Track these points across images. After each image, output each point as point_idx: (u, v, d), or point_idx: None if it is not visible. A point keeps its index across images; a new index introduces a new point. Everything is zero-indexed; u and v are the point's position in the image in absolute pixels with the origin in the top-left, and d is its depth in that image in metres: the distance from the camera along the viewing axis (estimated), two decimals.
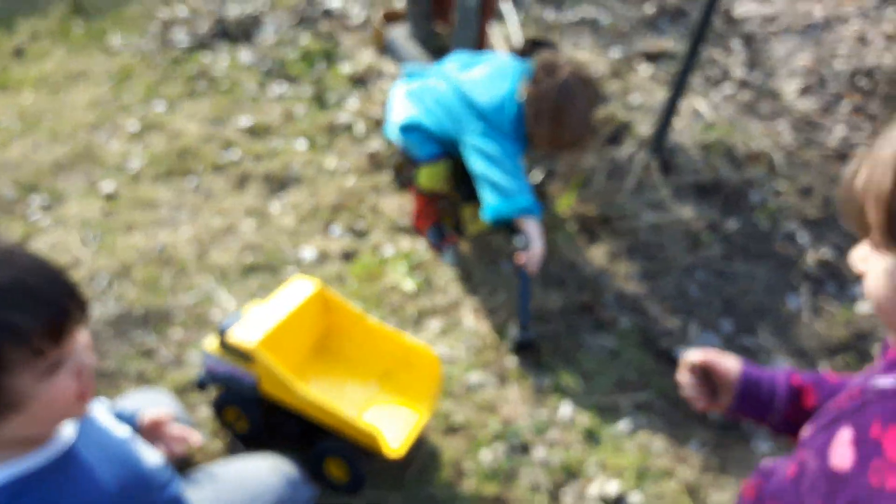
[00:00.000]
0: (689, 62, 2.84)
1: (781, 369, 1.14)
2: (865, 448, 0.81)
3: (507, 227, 2.64)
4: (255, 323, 2.02)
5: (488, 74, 2.61)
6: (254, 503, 1.71)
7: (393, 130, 2.78)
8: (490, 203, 2.51)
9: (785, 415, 1.09)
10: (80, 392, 1.12)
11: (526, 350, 2.50)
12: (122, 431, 1.39)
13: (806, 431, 0.95)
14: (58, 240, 2.89)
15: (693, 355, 1.17)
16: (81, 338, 1.14)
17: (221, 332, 2.02)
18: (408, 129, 2.69)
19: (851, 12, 4.77)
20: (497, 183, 2.49)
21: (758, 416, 1.10)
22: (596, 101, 2.53)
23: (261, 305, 2.12)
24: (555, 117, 2.44)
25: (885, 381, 0.87)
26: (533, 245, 2.48)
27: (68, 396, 1.11)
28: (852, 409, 0.88)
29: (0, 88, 3.88)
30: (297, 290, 2.14)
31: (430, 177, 2.72)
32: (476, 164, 2.54)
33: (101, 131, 3.50)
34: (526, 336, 2.49)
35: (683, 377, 1.19)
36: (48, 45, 4.29)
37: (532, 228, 2.49)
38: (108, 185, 3.13)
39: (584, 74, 2.49)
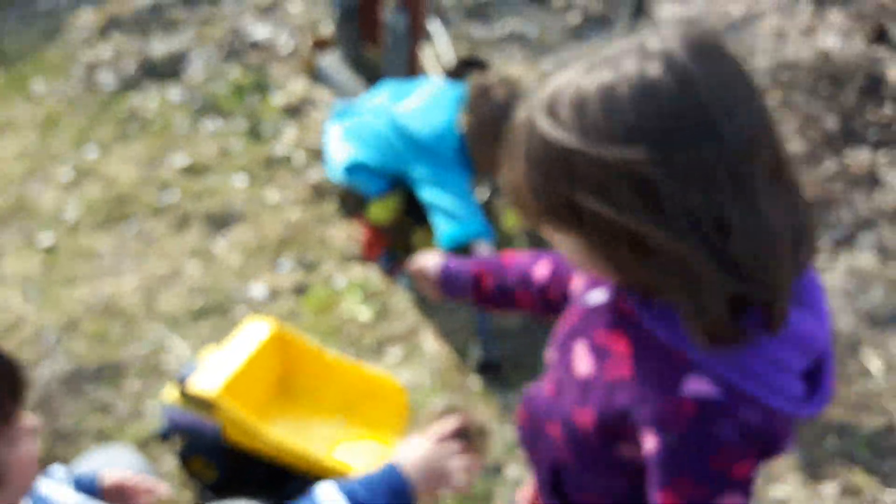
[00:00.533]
0: None
1: (476, 259, 1.44)
2: (598, 353, 1.01)
3: (461, 251, 2.67)
4: (213, 370, 1.99)
5: (423, 106, 2.63)
6: None
7: (336, 172, 2.79)
8: (444, 231, 2.54)
9: (476, 296, 1.37)
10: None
11: (489, 369, 2.52)
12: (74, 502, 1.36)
13: (551, 354, 1.14)
14: None
15: (414, 265, 1.47)
16: None
17: (180, 383, 1.99)
18: (352, 169, 2.71)
19: (767, 8, 4.96)
20: (449, 210, 2.52)
21: (461, 298, 1.41)
22: None
23: (217, 351, 2.09)
24: (496, 140, 2.47)
25: (595, 297, 1.06)
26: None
27: (35, 459, 1.10)
28: (580, 325, 1.07)
29: None
30: (252, 333, 2.12)
31: (380, 211, 2.74)
32: (426, 194, 2.57)
33: (34, 182, 3.40)
34: (489, 355, 2.50)
35: (416, 278, 1.49)
36: None
37: (485, 251, 2.52)
38: (45, 238, 3.05)
39: (518, 92, 2.53)
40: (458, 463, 1.23)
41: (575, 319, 1.09)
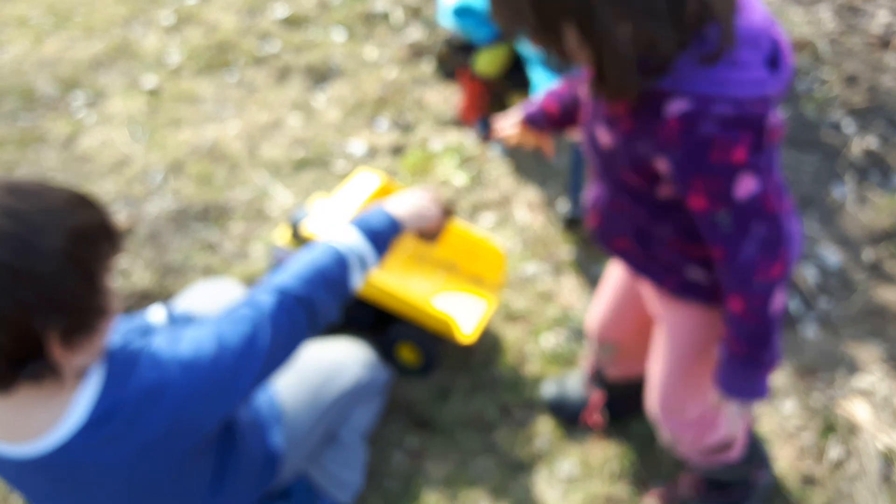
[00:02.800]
0: None
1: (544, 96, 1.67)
2: (610, 123, 1.26)
3: None
4: (325, 216, 2.05)
5: None
6: (333, 385, 1.76)
7: (445, 15, 2.72)
8: (543, 81, 2.46)
9: (551, 120, 1.65)
10: None
11: (575, 224, 2.54)
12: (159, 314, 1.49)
13: (583, 146, 1.41)
14: (106, 137, 2.89)
15: (501, 131, 1.78)
16: None
17: (293, 225, 2.05)
18: (460, 12, 2.63)
19: None
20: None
21: (542, 127, 1.69)
22: None
23: (328, 198, 2.14)
24: None
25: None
26: None
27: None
28: (592, 112, 1.33)
29: None
30: (362, 183, 2.16)
31: (490, 61, 2.67)
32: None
33: (136, 25, 3.43)
34: (576, 210, 2.51)
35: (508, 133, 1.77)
36: None
37: None
38: (149, 81, 3.11)
39: None
40: (434, 210, 1.63)
41: (588, 110, 1.36)
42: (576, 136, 1.91)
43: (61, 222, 1.05)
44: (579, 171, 2.50)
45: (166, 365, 1.17)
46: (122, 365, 1.16)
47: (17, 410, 1.12)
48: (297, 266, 1.36)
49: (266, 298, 1.29)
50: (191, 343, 1.20)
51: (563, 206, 2.55)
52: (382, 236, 1.49)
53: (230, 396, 1.23)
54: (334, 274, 1.38)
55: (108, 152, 2.81)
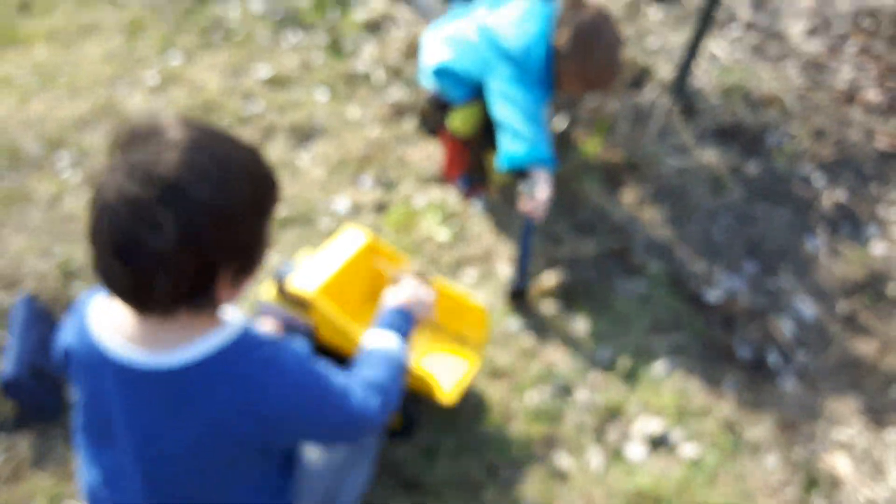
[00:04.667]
0: (710, 7, 2.83)
1: None
2: None
3: (522, 175, 2.62)
4: (311, 271, 2.05)
5: (516, 17, 2.56)
6: (326, 450, 1.75)
7: (425, 75, 2.76)
8: (507, 150, 2.45)
9: None
10: None
11: (518, 298, 2.53)
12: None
13: None
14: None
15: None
16: None
17: (278, 281, 2.05)
18: (440, 73, 2.67)
19: None
20: (517, 130, 2.43)
21: None
22: (620, 40, 2.47)
23: (314, 254, 2.14)
24: (583, 53, 2.40)
25: None
26: (539, 192, 2.40)
27: None
28: None
29: (10, 44, 3.78)
30: (348, 240, 2.16)
31: (463, 120, 2.70)
32: (498, 110, 2.49)
33: (121, 85, 3.44)
34: (519, 285, 2.51)
35: None
36: None
37: (542, 178, 2.41)
38: None
39: (608, 13, 2.46)
40: (427, 294, 1.72)
41: None
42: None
43: (248, 168, 1.15)
44: (527, 245, 2.49)
45: (288, 365, 1.26)
46: (252, 337, 1.25)
47: (166, 325, 1.19)
48: (387, 373, 1.48)
49: (374, 397, 1.40)
50: (326, 373, 1.33)
51: (511, 276, 2.55)
52: (410, 335, 1.64)
53: (318, 430, 1.34)
54: (401, 376, 1.53)
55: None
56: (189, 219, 1.06)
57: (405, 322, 1.63)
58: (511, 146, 2.44)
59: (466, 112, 2.71)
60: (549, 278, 2.59)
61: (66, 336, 1.33)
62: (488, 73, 2.54)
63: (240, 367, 1.22)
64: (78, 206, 2.82)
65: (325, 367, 1.34)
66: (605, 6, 2.54)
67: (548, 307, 2.54)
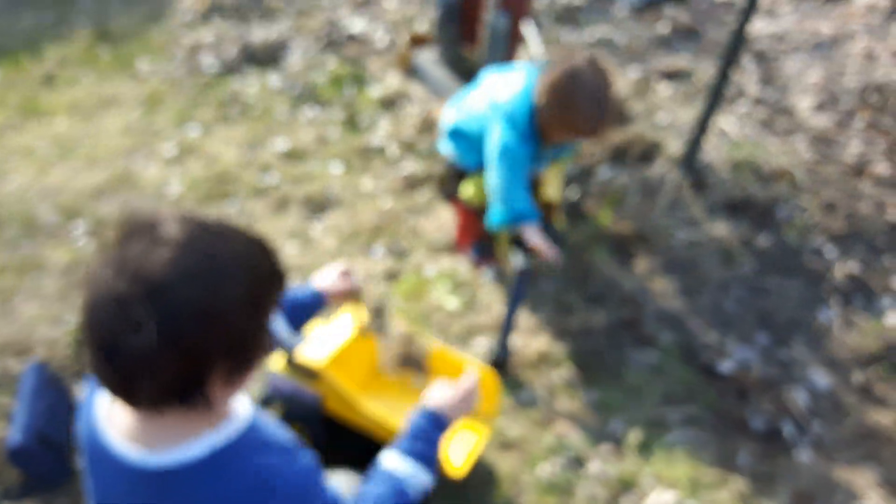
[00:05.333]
0: (720, 84, 2.92)
1: None
2: None
3: (519, 244, 2.68)
4: (319, 343, 2.07)
5: (511, 77, 2.65)
6: None
7: (443, 140, 2.84)
8: (492, 212, 2.56)
9: None
10: None
11: (499, 368, 2.54)
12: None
13: None
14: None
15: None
16: None
17: (287, 352, 2.07)
18: (454, 135, 2.75)
19: (858, 29, 4.89)
20: (500, 193, 2.52)
21: None
22: (603, 85, 2.44)
23: (322, 326, 2.17)
24: (564, 98, 2.40)
25: None
26: (533, 241, 2.51)
27: None
28: None
29: (33, 115, 3.93)
30: (356, 312, 2.20)
31: (476, 188, 2.76)
32: (489, 175, 2.58)
33: (138, 156, 3.55)
34: (499, 355, 2.53)
35: None
36: (76, 71, 4.35)
37: (533, 234, 2.50)
38: None
39: (597, 60, 2.46)
40: (476, 390, 1.62)
41: None
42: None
43: (246, 266, 1.10)
44: (512, 317, 2.52)
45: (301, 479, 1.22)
46: (255, 438, 1.21)
47: (159, 422, 1.17)
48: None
49: None
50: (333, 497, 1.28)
51: (494, 345, 2.57)
52: (430, 454, 1.52)
53: None
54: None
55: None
56: (172, 319, 1.03)
57: (435, 428, 1.53)
58: (495, 210, 2.55)
59: (479, 181, 2.78)
60: (532, 344, 2.62)
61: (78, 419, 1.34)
62: (486, 134, 2.62)
63: (233, 476, 1.17)
64: None
65: (332, 490, 1.29)
66: (599, 57, 2.55)
67: (559, 377, 2.54)
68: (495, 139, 2.55)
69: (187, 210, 1.13)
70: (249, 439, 1.20)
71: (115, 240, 1.10)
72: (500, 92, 2.59)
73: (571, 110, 2.41)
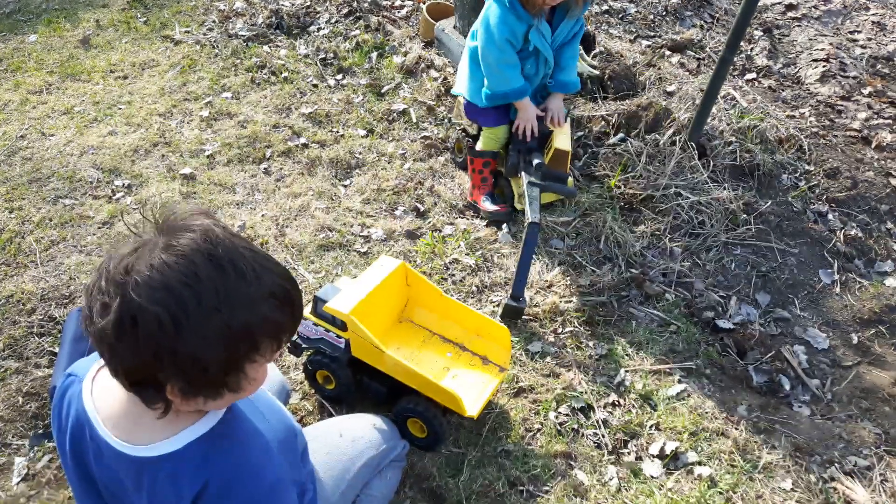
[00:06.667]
0: (731, 53, 2.88)
1: None
2: None
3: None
4: (348, 294, 2.11)
5: None
6: (359, 454, 1.80)
7: (458, 85, 2.98)
8: (485, 89, 2.79)
9: None
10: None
11: (512, 318, 2.55)
12: None
13: None
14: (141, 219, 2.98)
15: None
16: None
17: (318, 301, 2.11)
18: (471, 60, 2.88)
19: None
20: (491, 73, 2.74)
21: None
22: None
23: (352, 279, 2.21)
24: None
25: None
26: (521, 115, 2.81)
27: (264, 378, 1.19)
28: None
29: (71, 77, 3.95)
30: (384, 267, 2.23)
31: (491, 137, 2.90)
32: (481, 61, 2.76)
33: (173, 118, 3.57)
34: (516, 304, 2.52)
35: None
36: (112, 35, 4.35)
37: (521, 105, 2.81)
38: (185, 169, 3.22)
39: None
40: None
41: None
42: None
43: (228, 311, 1.03)
44: (525, 267, 2.52)
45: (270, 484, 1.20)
46: (226, 438, 1.19)
47: (138, 420, 1.17)
48: None
49: None
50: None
51: (506, 296, 2.58)
52: None
53: None
54: None
55: None
56: (130, 317, 1.01)
57: None
58: (489, 82, 2.78)
59: (493, 132, 2.83)
60: (545, 299, 2.64)
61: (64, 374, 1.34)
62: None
63: (195, 474, 1.16)
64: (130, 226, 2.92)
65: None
66: None
67: (566, 333, 2.57)
68: (484, 16, 2.73)
69: (228, 233, 1.08)
70: (220, 441, 1.19)
71: (145, 226, 1.09)
72: None
73: None
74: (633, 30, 4.27)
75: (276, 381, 1.97)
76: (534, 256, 2.81)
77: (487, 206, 2.96)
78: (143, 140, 3.40)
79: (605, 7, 4.40)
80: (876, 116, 3.79)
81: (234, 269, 1.05)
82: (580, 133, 3.34)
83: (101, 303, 1.03)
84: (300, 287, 2.60)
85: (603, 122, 3.35)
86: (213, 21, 4.29)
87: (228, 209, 3.00)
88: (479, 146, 2.91)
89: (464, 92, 2.90)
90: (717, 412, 2.33)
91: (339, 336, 2.11)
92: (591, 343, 2.54)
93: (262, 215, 2.96)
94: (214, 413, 1.21)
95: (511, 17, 2.62)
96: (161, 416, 1.13)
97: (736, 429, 2.27)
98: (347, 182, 3.17)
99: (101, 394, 1.23)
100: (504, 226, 2.96)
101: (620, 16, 4.40)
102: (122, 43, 4.25)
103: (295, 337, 2.23)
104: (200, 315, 1.02)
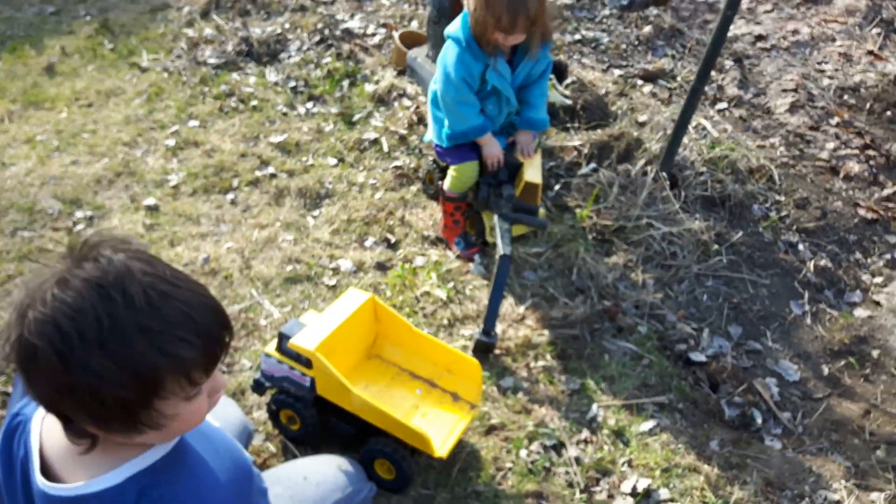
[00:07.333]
0: (701, 83, 2.92)
1: None
2: None
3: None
4: (313, 330, 2.08)
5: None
6: (324, 498, 1.76)
7: (428, 132, 2.98)
8: (446, 129, 2.80)
9: None
10: (209, 409, 1.16)
11: (483, 353, 2.53)
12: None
13: None
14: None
15: None
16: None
17: (282, 337, 2.07)
18: (433, 105, 2.91)
19: (837, 31, 4.89)
20: (452, 114, 2.75)
21: None
22: None
23: (318, 314, 2.18)
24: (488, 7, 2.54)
25: None
26: (487, 151, 2.81)
27: (202, 415, 1.14)
28: None
29: (35, 105, 3.90)
30: (351, 301, 2.20)
31: (454, 179, 2.87)
32: (441, 92, 2.76)
33: (138, 147, 3.53)
34: (488, 340, 2.51)
35: None
36: (78, 62, 4.31)
37: (487, 143, 2.80)
38: (149, 200, 3.17)
39: None
40: None
41: None
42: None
43: (132, 344, 0.99)
44: (497, 301, 2.52)
45: None
46: (170, 473, 1.15)
47: (76, 456, 1.13)
48: None
49: None
50: None
51: (477, 331, 2.55)
52: None
53: None
54: None
55: None
56: (25, 344, 1.00)
57: None
58: (448, 121, 2.79)
59: (460, 170, 2.82)
60: (516, 332, 2.63)
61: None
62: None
63: None
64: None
65: None
66: None
67: (538, 367, 2.55)
68: (442, 56, 2.76)
69: (140, 261, 1.03)
70: (162, 475, 1.15)
71: (69, 252, 1.06)
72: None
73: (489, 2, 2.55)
74: (606, 59, 4.31)
75: (236, 420, 1.92)
76: (506, 288, 2.79)
77: (458, 249, 2.95)
78: (107, 170, 3.35)
79: (577, 37, 4.44)
80: (843, 146, 3.85)
81: (124, 299, 1.00)
82: (552, 163, 3.35)
83: (8, 338, 1.02)
84: (257, 319, 2.56)
85: (575, 152, 3.36)
86: (182, 48, 4.27)
87: (192, 241, 2.96)
88: (446, 185, 2.89)
89: (430, 134, 2.92)
90: (690, 448, 2.31)
91: (304, 374, 2.07)
92: (563, 378, 2.52)
93: (227, 247, 2.92)
94: (162, 446, 1.16)
95: (467, 57, 2.65)
96: (86, 452, 1.10)
97: (708, 464, 2.26)
98: (316, 212, 3.14)
99: (48, 431, 1.19)
100: (476, 257, 2.95)
101: (593, 45, 4.44)
102: (88, 70, 4.21)
103: (258, 375, 2.18)
104: (84, 349, 0.98)
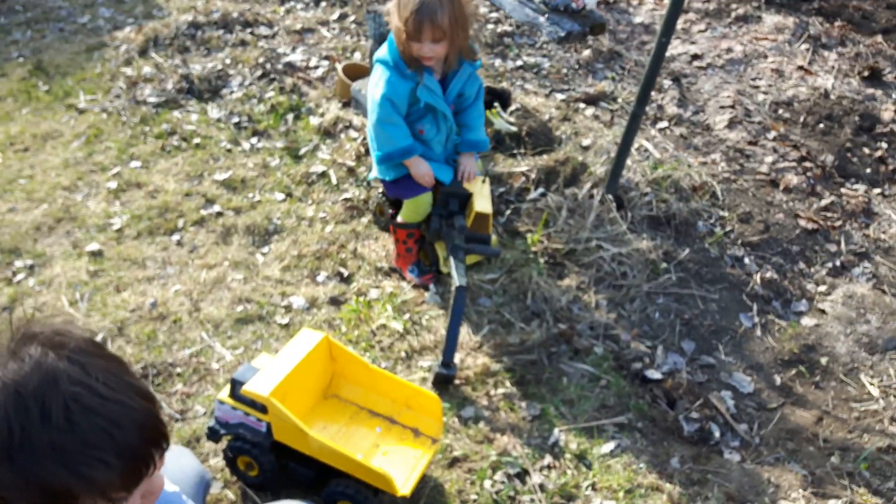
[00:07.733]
0: (640, 108, 2.99)
1: None
2: None
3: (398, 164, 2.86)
4: (267, 374, 2.04)
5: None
6: None
7: (373, 170, 2.99)
8: (377, 153, 2.81)
9: None
10: None
11: (443, 385, 2.54)
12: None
13: None
14: (46, 301, 2.85)
15: None
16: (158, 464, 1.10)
17: (235, 383, 2.04)
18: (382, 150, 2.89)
19: (768, 48, 5.06)
20: (380, 139, 2.77)
21: None
22: None
23: (271, 357, 2.15)
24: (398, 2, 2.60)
25: None
26: (413, 172, 2.81)
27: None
28: None
29: None
30: (304, 341, 2.18)
31: (407, 211, 2.88)
32: (370, 114, 2.77)
33: (79, 191, 3.45)
34: (447, 372, 2.51)
35: None
36: (12, 106, 4.21)
37: (416, 165, 2.79)
38: (91, 245, 3.10)
39: None
40: None
41: None
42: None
43: (41, 461, 0.95)
44: (454, 333, 2.51)
45: None
46: None
47: None
48: None
49: None
50: None
51: (435, 364, 2.55)
52: None
53: None
54: None
55: (49, 319, 2.76)
56: None
57: None
58: (377, 146, 2.81)
59: (415, 202, 2.83)
60: (474, 361, 2.63)
61: None
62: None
63: None
64: (32, 310, 2.78)
65: None
66: None
67: (498, 394, 2.55)
68: (370, 81, 2.77)
69: (69, 360, 0.99)
70: None
71: (23, 333, 1.03)
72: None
73: (400, 4, 2.60)
74: (548, 84, 4.38)
75: (192, 472, 1.88)
76: (463, 316, 2.79)
77: (412, 277, 2.95)
78: (47, 216, 3.27)
79: (519, 63, 4.51)
80: (781, 159, 3.97)
81: (41, 412, 0.96)
82: (501, 189, 3.38)
83: None
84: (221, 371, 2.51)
85: (523, 178, 3.40)
86: (121, 88, 4.20)
87: (139, 285, 2.89)
88: (401, 218, 2.90)
89: (375, 171, 2.92)
90: (651, 467, 2.34)
91: (259, 420, 2.04)
92: (523, 404, 2.52)
93: (175, 290, 2.87)
94: None
95: (395, 77, 2.69)
96: None
97: (670, 482, 2.29)
98: (265, 249, 3.10)
99: None
100: (431, 285, 2.95)
101: (535, 70, 4.51)
102: (23, 114, 4.11)
103: (212, 423, 2.14)
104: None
